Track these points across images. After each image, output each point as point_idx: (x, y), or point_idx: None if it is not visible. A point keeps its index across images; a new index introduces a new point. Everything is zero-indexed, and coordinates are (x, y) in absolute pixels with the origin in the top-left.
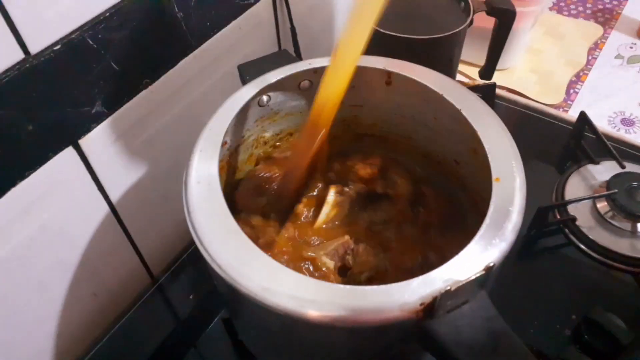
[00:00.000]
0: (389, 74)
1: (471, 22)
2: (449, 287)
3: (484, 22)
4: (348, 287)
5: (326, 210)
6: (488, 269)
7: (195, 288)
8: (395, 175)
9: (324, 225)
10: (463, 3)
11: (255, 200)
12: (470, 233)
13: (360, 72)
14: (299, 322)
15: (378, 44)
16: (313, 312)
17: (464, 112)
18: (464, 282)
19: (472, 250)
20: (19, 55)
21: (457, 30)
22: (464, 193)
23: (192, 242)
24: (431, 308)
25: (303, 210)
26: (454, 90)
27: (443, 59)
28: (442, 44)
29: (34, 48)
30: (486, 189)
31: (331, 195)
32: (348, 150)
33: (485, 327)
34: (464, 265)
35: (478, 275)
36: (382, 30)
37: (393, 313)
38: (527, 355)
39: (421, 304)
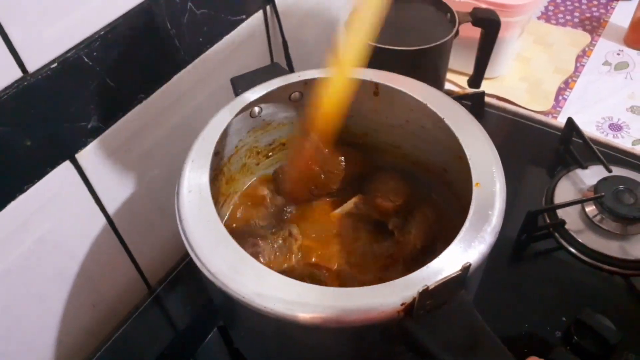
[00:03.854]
0: (376, 85)
1: (457, 33)
2: (426, 286)
3: (471, 32)
4: (333, 289)
5: (340, 211)
6: (465, 269)
7: (192, 298)
8: (414, 224)
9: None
10: (449, 14)
11: (287, 186)
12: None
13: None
14: (288, 324)
15: (366, 56)
16: (302, 314)
17: (447, 121)
18: (441, 281)
19: (452, 252)
20: (17, 73)
21: (443, 41)
22: (453, 198)
23: (188, 253)
24: (411, 308)
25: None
26: (438, 99)
27: (430, 69)
28: (429, 54)
29: (32, 66)
30: (471, 194)
31: (350, 203)
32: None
33: (465, 326)
34: (443, 266)
35: (455, 274)
36: (369, 43)
37: (375, 313)
38: (504, 352)
39: (402, 304)
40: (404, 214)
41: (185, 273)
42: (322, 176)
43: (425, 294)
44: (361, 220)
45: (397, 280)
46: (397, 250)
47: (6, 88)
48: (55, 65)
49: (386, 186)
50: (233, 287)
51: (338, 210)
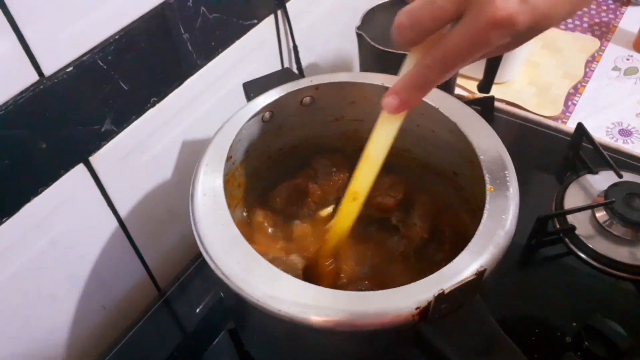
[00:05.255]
0: (387, 89)
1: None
2: (441, 291)
3: None
4: (347, 292)
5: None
6: (480, 274)
7: (201, 301)
8: (417, 216)
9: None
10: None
11: (285, 207)
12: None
13: (360, 88)
14: (301, 327)
15: (377, 61)
16: (315, 317)
17: (459, 125)
18: (456, 286)
19: (466, 256)
20: (34, 77)
21: None
22: (463, 202)
23: (198, 256)
24: (426, 312)
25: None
26: (450, 104)
27: None
28: None
29: (48, 70)
30: (483, 198)
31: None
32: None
33: (479, 330)
34: (458, 270)
35: (470, 279)
36: (380, 47)
37: (390, 317)
38: (520, 357)
39: (417, 308)
40: (404, 207)
41: (194, 275)
42: (319, 191)
43: (441, 298)
44: (362, 222)
45: (411, 285)
46: (406, 243)
47: (23, 91)
48: (70, 69)
49: (382, 184)
50: (246, 289)
51: (333, 220)
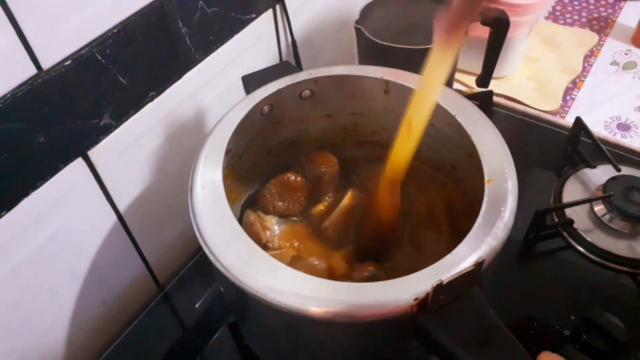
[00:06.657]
0: (386, 82)
1: (466, 32)
2: (440, 281)
3: (480, 31)
4: (347, 284)
5: (338, 211)
6: (478, 265)
7: (201, 296)
8: (414, 195)
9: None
10: None
11: (276, 204)
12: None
13: (360, 82)
14: (301, 319)
15: (377, 55)
16: (314, 309)
17: (459, 118)
18: (454, 277)
19: (465, 247)
20: (32, 70)
21: None
22: (462, 195)
23: (197, 250)
24: (425, 302)
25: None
26: (449, 97)
27: None
28: None
29: (46, 64)
30: (481, 191)
31: (347, 199)
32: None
33: (478, 321)
34: (456, 261)
35: (468, 270)
36: (380, 42)
37: (389, 308)
38: (517, 347)
39: (415, 299)
40: (404, 196)
41: (194, 270)
42: (309, 184)
43: (440, 288)
44: (361, 212)
45: (410, 275)
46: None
47: (21, 85)
48: (69, 62)
49: (377, 171)
50: (246, 281)
51: (334, 214)
